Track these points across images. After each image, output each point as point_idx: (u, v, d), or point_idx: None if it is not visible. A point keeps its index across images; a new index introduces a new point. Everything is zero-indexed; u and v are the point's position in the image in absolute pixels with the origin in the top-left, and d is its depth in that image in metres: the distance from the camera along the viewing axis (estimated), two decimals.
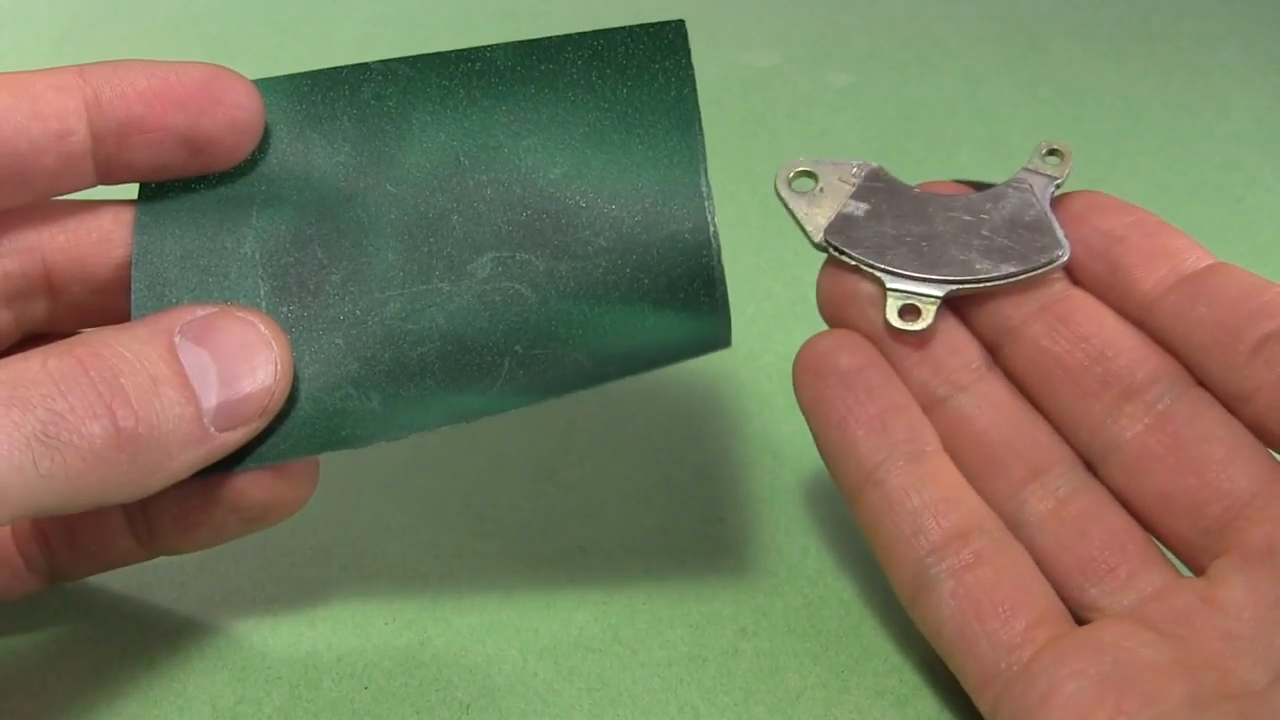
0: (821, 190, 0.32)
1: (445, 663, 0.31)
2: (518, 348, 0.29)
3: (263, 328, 0.27)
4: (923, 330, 0.31)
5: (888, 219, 0.32)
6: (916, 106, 0.55)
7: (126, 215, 0.30)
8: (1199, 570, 0.29)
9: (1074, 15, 0.62)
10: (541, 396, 0.28)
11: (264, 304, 0.29)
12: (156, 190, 0.30)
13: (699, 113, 0.30)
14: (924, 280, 0.31)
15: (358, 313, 0.29)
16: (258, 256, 0.29)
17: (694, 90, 0.30)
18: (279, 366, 0.27)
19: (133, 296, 0.29)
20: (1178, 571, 0.29)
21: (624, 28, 0.30)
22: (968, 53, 0.59)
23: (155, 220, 0.29)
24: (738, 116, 0.54)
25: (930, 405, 0.31)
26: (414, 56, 0.31)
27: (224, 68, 0.29)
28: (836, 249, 0.31)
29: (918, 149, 0.52)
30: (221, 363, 0.26)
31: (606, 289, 0.29)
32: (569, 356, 0.28)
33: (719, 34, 0.59)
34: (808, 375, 0.31)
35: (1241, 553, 0.27)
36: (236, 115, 0.28)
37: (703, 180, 0.29)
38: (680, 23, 0.30)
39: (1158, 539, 0.30)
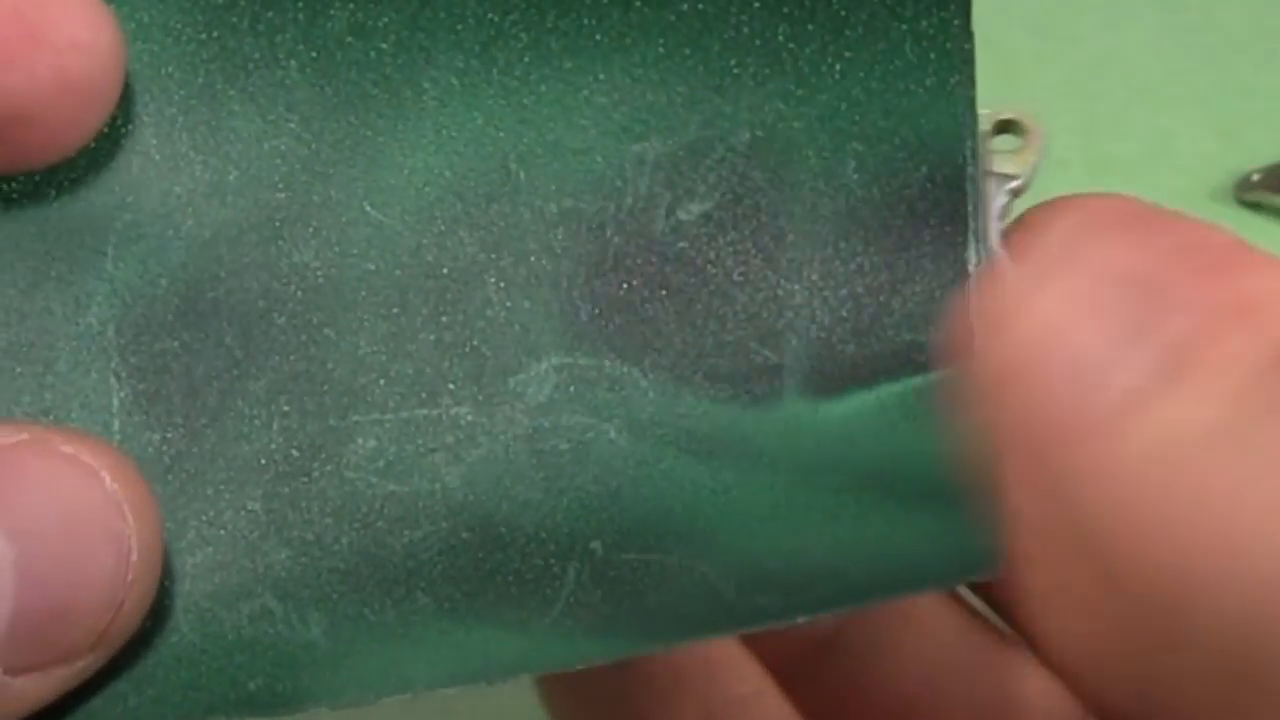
0: None
1: None
2: (595, 544, 0.16)
3: (108, 478, 0.15)
4: None
5: None
6: None
7: None
8: None
9: None
10: (632, 642, 0.16)
11: (117, 425, 0.16)
12: None
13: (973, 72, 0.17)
14: None
15: (294, 453, 0.16)
16: (112, 333, 0.16)
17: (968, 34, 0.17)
18: (135, 552, 0.15)
19: None
20: None
21: None
22: None
23: None
24: None
25: None
26: None
27: None
28: None
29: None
30: (23, 543, 0.15)
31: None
32: (690, 569, 0.16)
33: None
34: None
35: None
36: (70, 65, 0.16)
37: (970, 233, 0.16)
38: None
39: None
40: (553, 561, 0.16)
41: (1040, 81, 0.47)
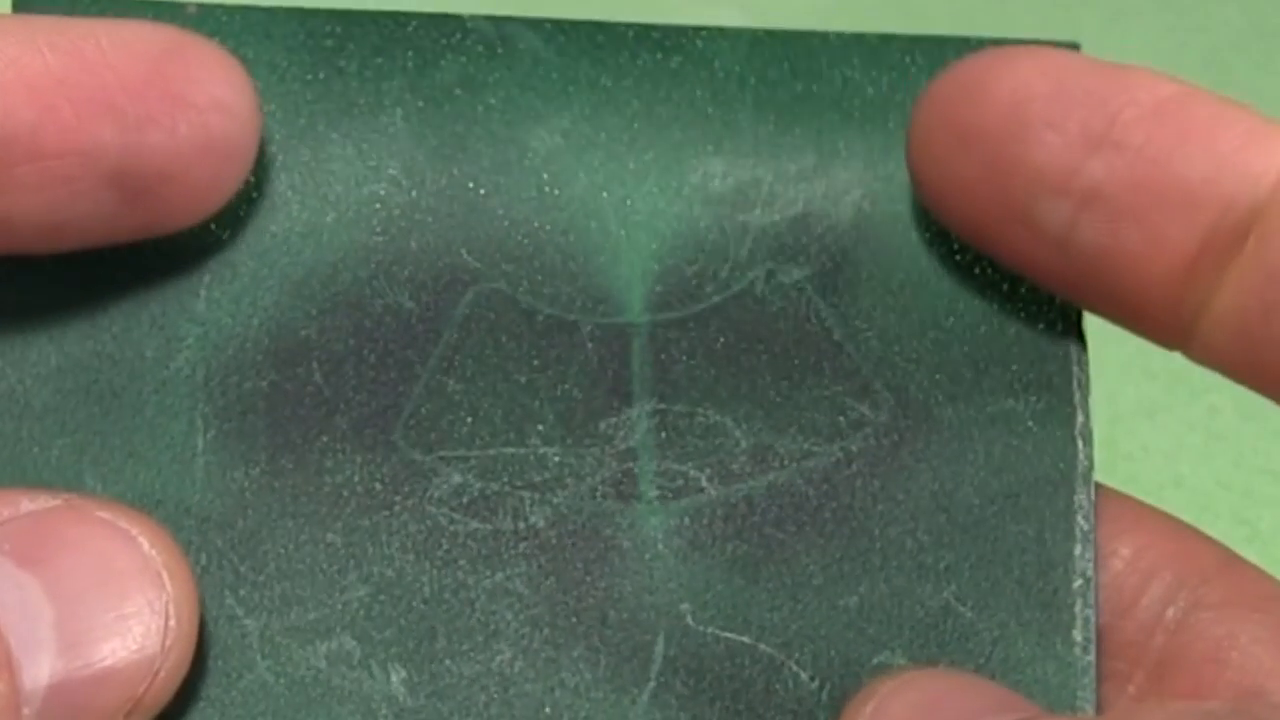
0: None
1: None
2: (685, 605, 0.16)
3: (146, 544, 0.15)
4: None
5: None
6: None
7: None
8: None
9: None
10: None
11: (200, 465, 0.16)
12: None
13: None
14: None
15: (377, 486, 0.16)
16: (200, 377, 0.16)
17: None
18: (173, 618, 0.15)
19: None
20: None
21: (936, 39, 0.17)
22: None
23: None
24: None
25: None
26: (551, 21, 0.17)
27: (185, 32, 0.16)
28: None
29: None
30: (64, 605, 0.15)
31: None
32: (781, 665, 0.16)
33: None
34: None
35: None
36: (211, 124, 0.15)
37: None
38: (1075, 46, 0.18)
39: None
40: (641, 622, 0.16)
41: None
